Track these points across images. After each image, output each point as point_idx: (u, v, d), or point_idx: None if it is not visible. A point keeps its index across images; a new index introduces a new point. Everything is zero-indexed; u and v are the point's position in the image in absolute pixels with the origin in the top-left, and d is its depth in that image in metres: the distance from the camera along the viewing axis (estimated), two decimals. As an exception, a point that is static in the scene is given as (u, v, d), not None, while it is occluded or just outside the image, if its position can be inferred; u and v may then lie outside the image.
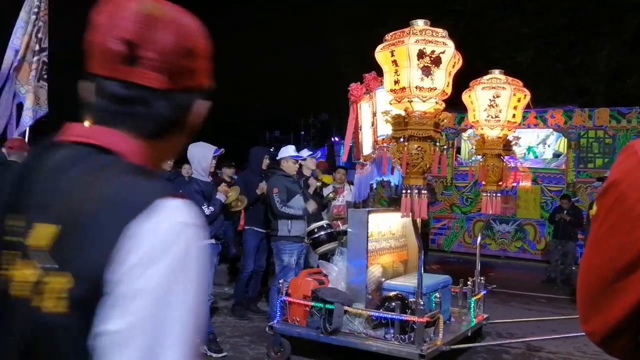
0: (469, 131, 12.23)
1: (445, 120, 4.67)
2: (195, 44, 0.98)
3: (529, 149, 12.93)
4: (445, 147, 4.65)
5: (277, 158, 6.30)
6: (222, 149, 5.36)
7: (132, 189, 0.86)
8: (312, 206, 6.02)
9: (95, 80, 0.95)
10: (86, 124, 0.96)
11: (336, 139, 25.17)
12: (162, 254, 0.81)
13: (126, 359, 0.78)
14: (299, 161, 6.39)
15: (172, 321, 0.80)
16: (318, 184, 6.80)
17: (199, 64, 1.00)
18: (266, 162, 6.71)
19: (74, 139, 0.93)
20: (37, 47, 6.96)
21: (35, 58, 6.96)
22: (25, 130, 6.97)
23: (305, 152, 6.86)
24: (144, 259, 0.80)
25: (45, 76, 7.13)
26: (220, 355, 5.12)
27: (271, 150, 10.59)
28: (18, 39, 6.90)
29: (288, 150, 6.29)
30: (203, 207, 5.09)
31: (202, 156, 5.27)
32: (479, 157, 6.11)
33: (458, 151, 13.47)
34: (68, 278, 0.81)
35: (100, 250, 0.81)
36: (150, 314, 0.79)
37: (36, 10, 6.92)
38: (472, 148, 6.29)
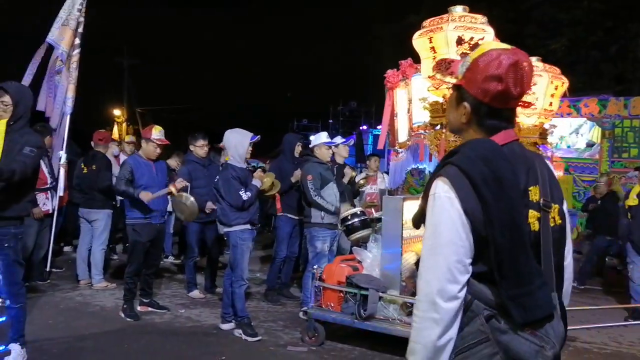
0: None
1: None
2: None
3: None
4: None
5: (311, 145, 6.31)
6: (259, 136, 5.40)
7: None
8: (346, 208, 5.97)
9: (501, 110, 1.72)
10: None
11: (364, 127, 25.12)
12: None
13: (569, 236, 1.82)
14: (332, 148, 6.40)
15: None
16: (353, 173, 6.79)
17: None
18: (298, 148, 6.75)
19: (514, 139, 1.73)
20: (77, 42, 7.40)
21: (76, 51, 7.38)
22: (67, 119, 7.28)
23: (338, 139, 6.87)
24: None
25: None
26: (255, 339, 5.20)
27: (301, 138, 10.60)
28: (52, 33, 7.33)
29: (321, 137, 6.30)
30: (240, 193, 5.15)
31: (238, 142, 5.32)
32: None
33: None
34: (557, 206, 1.74)
35: (560, 192, 1.79)
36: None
37: (80, 7, 7.35)
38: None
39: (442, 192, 1.63)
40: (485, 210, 1.57)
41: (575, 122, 12.69)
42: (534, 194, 1.66)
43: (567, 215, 1.80)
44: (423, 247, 1.67)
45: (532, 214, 1.64)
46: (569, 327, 5.83)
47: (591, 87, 13.57)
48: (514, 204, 1.59)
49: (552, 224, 1.69)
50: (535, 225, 1.64)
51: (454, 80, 1.78)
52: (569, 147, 12.68)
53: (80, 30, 7.49)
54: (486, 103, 1.69)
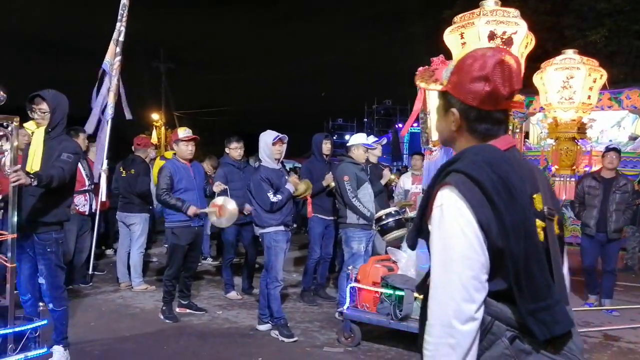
0: (538, 115, 11.82)
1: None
2: None
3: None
4: (517, 130, 4.53)
5: (348, 145, 6.29)
6: (283, 135, 5.41)
7: None
8: (382, 211, 5.92)
9: (492, 113, 1.61)
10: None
11: (400, 125, 24.95)
12: None
13: None
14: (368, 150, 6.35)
15: None
16: (392, 176, 6.74)
17: None
18: (326, 146, 6.71)
19: (513, 144, 1.62)
20: (117, 50, 7.60)
21: (117, 59, 7.58)
22: (107, 126, 7.51)
23: (371, 139, 6.83)
24: None
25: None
26: (292, 339, 5.21)
27: (334, 136, 10.60)
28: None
29: (359, 138, 6.26)
30: (269, 194, 5.17)
31: (265, 143, 5.37)
32: (551, 140, 5.92)
33: (526, 136, 13.05)
34: (557, 216, 1.61)
35: (558, 203, 1.69)
36: None
37: (120, 17, 7.57)
38: (542, 132, 6.13)
39: (450, 202, 1.47)
40: (500, 219, 1.45)
41: (616, 115, 12.34)
42: (538, 202, 1.56)
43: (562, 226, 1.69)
44: (432, 265, 1.50)
45: (538, 224, 1.53)
46: (613, 327, 5.66)
47: (633, 78, 13.15)
48: (526, 211, 1.49)
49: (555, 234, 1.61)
50: (541, 235, 1.53)
51: (439, 87, 1.66)
52: (610, 141, 12.33)
53: (120, 39, 7.69)
54: (475, 107, 1.59)
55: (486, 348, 1.49)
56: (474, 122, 1.61)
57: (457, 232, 1.45)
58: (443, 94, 1.66)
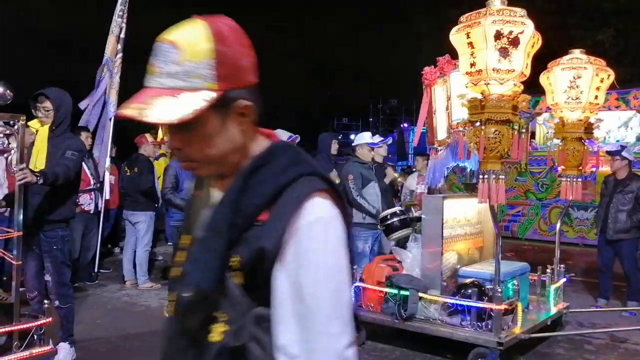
0: (545, 115, 11.77)
1: (524, 103, 4.53)
2: None
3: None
4: (523, 130, 4.49)
5: (353, 144, 6.30)
6: (296, 136, 5.41)
7: None
8: (387, 210, 5.93)
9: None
10: None
11: (405, 124, 24.94)
12: None
13: None
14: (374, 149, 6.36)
15: None
16: (395, 174, 6.74)
17: None
18: (334, 146, 6.73)
19: None
20: (119, 47, 7.57)
21: (118, 56, 7.57)
22: (110, 124, 7.51)
23: (376, 139, 6.83)
24: None
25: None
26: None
27: (339, 136, 10.61)
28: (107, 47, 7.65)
29: (364, 137, 6.27)
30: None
31: None
32: (557, 141, 5.89)
33: (532, 136, 13.01)
34: None
35: None
36: None
37: (121, 13, 7.54)
38: (548, 132, 6.09)
39: (330, 214, 1.13)
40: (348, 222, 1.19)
41: (624, 115, 12.27)
42: None
43: None
44: (312, 291, 1.08)
45: None
46: (620, 328, 5.60)
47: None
48: None
49: None
50: None
51: (205, 100, 1.08)
52: (617, 141, 12.27)
53: (122, 35, 7.69)
54: (257, 83, 1.19)
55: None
56: (257, 105, 1.18)
57: (341, 251, 1.13)
58: (216, 106, 1.10)
